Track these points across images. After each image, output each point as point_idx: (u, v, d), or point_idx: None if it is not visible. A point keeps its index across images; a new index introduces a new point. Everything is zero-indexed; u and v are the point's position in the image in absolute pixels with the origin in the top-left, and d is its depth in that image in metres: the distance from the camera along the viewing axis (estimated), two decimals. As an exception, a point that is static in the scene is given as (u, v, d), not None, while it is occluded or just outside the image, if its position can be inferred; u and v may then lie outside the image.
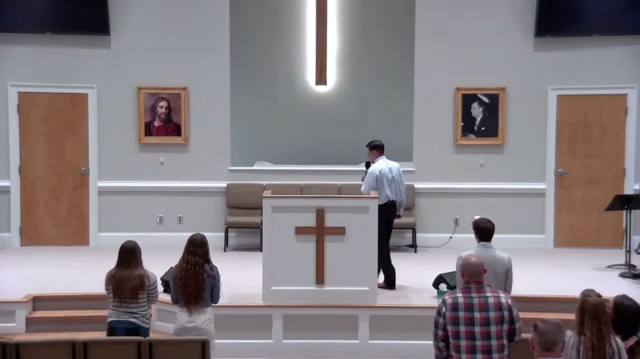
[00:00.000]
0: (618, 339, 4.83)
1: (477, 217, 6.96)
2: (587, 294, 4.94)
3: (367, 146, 8.72)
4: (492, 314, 5.10)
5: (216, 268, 6.36)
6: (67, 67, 10.76)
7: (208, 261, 6.30)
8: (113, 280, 6.23)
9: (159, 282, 7.96)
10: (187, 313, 6.19)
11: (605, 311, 4.80)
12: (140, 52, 10.80)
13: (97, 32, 10.63)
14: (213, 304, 6.36)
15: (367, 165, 8.67)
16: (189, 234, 6.43)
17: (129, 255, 6.27)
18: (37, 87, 10.76)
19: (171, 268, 6.72)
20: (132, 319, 6.22)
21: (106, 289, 6.32)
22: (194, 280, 6.16)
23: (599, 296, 4.93)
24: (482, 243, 6.61)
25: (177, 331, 6.22)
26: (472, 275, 5.24)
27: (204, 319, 6.20)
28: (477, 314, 5.10)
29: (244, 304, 7.85)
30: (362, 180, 8.62)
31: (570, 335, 4.75)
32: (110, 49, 10.79)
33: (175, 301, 6.33)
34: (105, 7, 10.54)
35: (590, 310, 4.76)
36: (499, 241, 10.31)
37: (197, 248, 6.23)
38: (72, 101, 10.85)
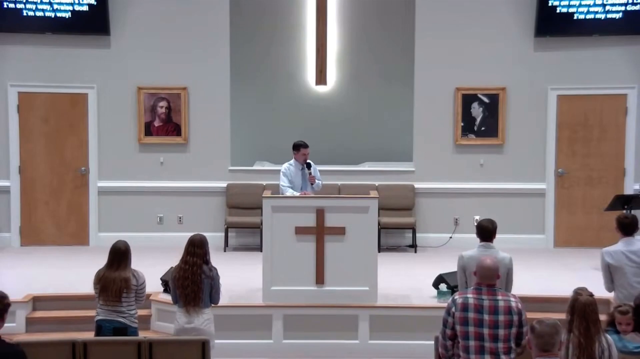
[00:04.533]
0: (608, 336, 4.84)
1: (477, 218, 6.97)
2: (578, 292, 4.95)
3: (306, 146, 8.61)
4: (501, 317, 5.09)
5: (215, 269, 6.35)
6: (67, 67, 10.77)
7: (207, 262, 6.28)
8: (101, 281, 6.23)
9: (159, 282, 7.99)
10: (186, 313, 6.19)
11: (595, 311, 4.81)
12: (140, 52, 10.80)
13: (97, 32, 10.64)
14: (212, 305, 6.35)
15: (309, 166, 8.61)
16: (189, 234, 6.43)
17: (120, 256, 6.26)
18: (37, 87, 10.76)
19: (171, 268, 6.72)
20: (121, 319, 6.22)
21: (94, 287, 6.32)
22: (192, 281, 6.16)
23: (591, 294, 4.94)
24: (483, 243, 6.60)
25: (176, 331, 6.23)
26: (484, 277, 5.22)
27: (202, 320, 6.19)
28: (486, 317, 5.09)
29: (244, 304, 7.85)
30: (311, 177, 8.55)
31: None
32: (110, 48, 10.79)
33: (175, 301, 6.34)
34: (105, 7, 10.54)
35: (580, 309, 4.78)
36: (499, 241, 10.38)
37: (196, 249, 6.23)
38: (72, 101, 10.85)
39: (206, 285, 6.21)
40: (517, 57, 10.77)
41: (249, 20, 11.21)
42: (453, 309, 5.18)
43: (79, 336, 5.95)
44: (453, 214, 10.85)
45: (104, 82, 10.82)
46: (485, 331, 5.08)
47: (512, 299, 5.20)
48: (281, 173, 8.62)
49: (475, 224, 6.77)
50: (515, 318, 5.12)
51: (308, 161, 8.61)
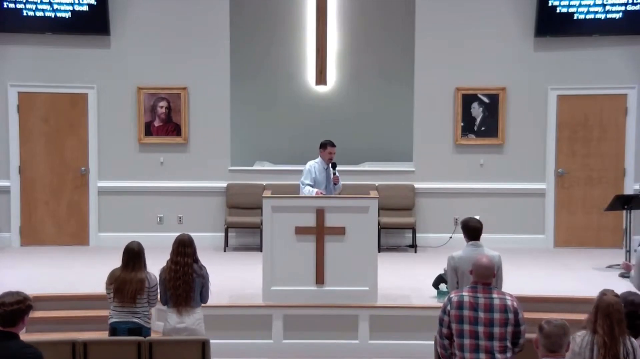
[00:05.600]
0: (633, 340, 4.81)
1: (465, 217, 6.94)
2: (603, 292, 4.91)
3: (333, 145, 8.66)
4: (496, 315, 5.09)
5: (205, 267, 6.35)
6: (67, 67, 10.76)
7: (196, 260, 6.30)
8: (116, 281, 6.21)
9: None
10: (177, 313, 6.18)
11: (619, 310, 4.78)
12: (140, 52, 10.79)
13: (97, 32, 10.64)
14: (202, 304, 6.35)
15: (334, 165, 8.63)
16: (189, 234, 6.43)
17: (135, 257, 6.23)
18: (37, 87, 10.76)
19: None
20: (135, 319, 6.20)
21: (107, 289, 6.30)
22: (184, 281, 6.16)
23: (617, 295, 4.90)
24: (471, 242, 6.62)
25: (167, 331, 6.20)
26: (481, 276, 5.22)
27: (194, 320, 6.20)
28: (481, 314, 5.09)
29: (244, 304, 7.86)
30: (335, 176, 8.60)
31: (584, 334, 4.73)
32: (110, 48, 10.79)
33: (164, 302, 6.32)
34: (105, 7, 10.54)
35: (604, 308, 4.74)
36: (499, 241, 10.43)
37: (185, 249, 6.22)
38: (72, 101, 10.85)
39: (197, 284, 6.22)
40: (517, 57, 10.77)
41: (249, 20, 11.21)
42: (448, 307, 5.19)
43: (79, 336, 5.95)
44: (453, 214, 10.84)
45: (104, 82, 10.82)
46: (480, 329, 5.08)
47: (508, 297, 5.19)
48: (305, 170, 8.64)
49: (461, 224, 6.78)
50: (511, 316, 5.11)
51: (333, 161, 8.61)
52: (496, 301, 5.13)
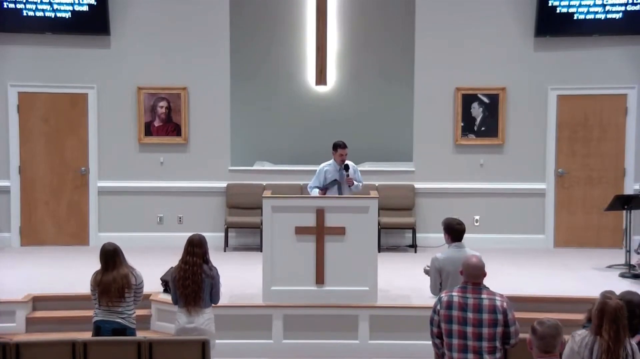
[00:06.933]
0: (633, 342, 4.81)
1: (446, 218, 6.92)
2: (607, 296, 4.90)
3: (344, 147, 8.56)
4: (485, 316, 5.08)
5: (215, 268, 6.35)
6: (67, 67, 10.76)
7: (207, 261, 6.29)
8: (100, 285, 6.19)
9: (159, 282, 7.99)
10: (187, 313, 6.19)
11: (625, 315, 4.77)
12: (140, 52, 10.80)
13: (97, 32, 10.64)
14: (213, 305, 6.36)
15: (347, 167, 8.58)
16: (189, 234, 6.43)
17: (113, 256, 6.23)
18: (37, 87, 10.76)
19: (171, 268, 6.73)
20: (119, 320, 6.20)
21: (92, 292, 6.30)
22: (193, 281, 6.16)
23: (620, 298, 4.90)
24: (454, 243, 6.61)
25: (177, 331, 6.24)
26: (470, 276, 5.22)
27: (203, 320, 6.20)
28: (470, 315, 5.09)
29: (244, 304, 7.85)
30: (349, 179, 8.53)
31: (584, 333, 4.73)
32: (110, 48, 10.79)
33: (175, 302, 6.34)
34: (105, 7, 10.55)
35: (611, 313, 4.72)
36: (500, 241, 10.46)
37: (195, 249, 6.23)
38: (72, 101, 10.85)
39: (207, 284, 6.22)
40: (517, 57, 10.77)
41: (249, 20, 11.21)
42: (438, 307, 5.20)
43: (79, 336, 5.95)
44: (453, 214, 10.78)
45: (104, 82, 10.82)
46: (469, 329, 5.08)
47: (498, 298, 5.17)
48: (316, 173, 8.59)
49: (443, 225, 6.75)
50: (500, 317, 5.09)
51: (346, 162, 8.54)
52: (485, 302, 5.11)
